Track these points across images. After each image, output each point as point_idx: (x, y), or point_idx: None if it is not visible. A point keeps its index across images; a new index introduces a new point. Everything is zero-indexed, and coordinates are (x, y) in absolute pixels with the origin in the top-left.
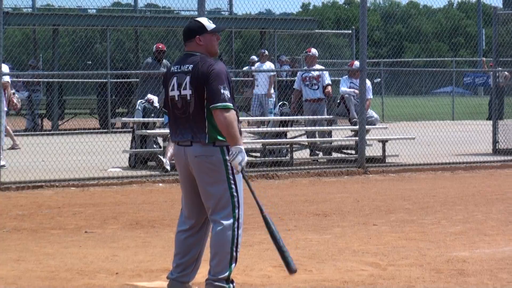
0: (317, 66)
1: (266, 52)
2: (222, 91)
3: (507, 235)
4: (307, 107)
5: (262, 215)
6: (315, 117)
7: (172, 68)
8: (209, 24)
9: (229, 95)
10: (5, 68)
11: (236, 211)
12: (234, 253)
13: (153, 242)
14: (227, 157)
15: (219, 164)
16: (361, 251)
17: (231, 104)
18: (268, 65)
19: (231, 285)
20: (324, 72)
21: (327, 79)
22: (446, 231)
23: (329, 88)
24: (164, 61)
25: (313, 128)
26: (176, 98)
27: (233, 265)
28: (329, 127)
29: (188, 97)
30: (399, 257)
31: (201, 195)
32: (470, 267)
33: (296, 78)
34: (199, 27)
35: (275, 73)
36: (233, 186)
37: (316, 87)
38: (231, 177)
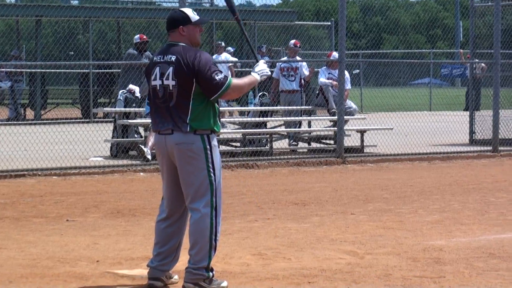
0: (298, 58)
1: (223, 44)
2: (215, 77)
3: (483, 224)
4: (282, 98)
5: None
6: (293, 107)
7: (154, 58)
8: (193, 16)
9: (221, 75)
10: None
11: (214, 199)
12: (214, 242)
13: (134, 230)
14: (208, 146)
15: (200, 152)
16: (339, 240)
17: (227, 81)
18: (224, 56)
19: (210, 273)
20: (302, 64)
21: (305, 71)
22: (423, 220)
23: (307, 78)
24: (147, 52)
25: (293, 118)
26: (158, 88)
27: (213, 253)
28: (308, 117)
29: (171, 87)
30: (377, 246)
31: (181, 183)
32: (447, 256)
33: (275, 68)
34: (183, 17)
35: (232, 64)
36: (212, 174)
37: (293, 78)
38: (210, 165)
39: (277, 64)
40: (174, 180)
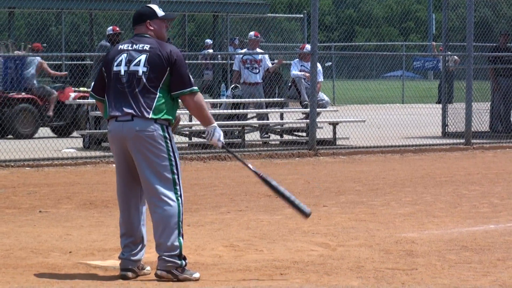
0: (259, 50)
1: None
2: (189, 76)
3: (455, 217)
4: (244, 90)
5: (260, 176)
6: (268, 99)
7: (120, 46)
8: (159, 11)
9: (192, 79)
10: None
11: (177, 187)
12: (181, 229)
13: (106, 221)
14: (167, 135)
15: (160, 140)
16: (311, 232)
17: (195, 86)
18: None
19: (183, 262)
20: (265, 56)
21: (268, 62)
22: (395, 213)
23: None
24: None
25: (265, 110)
26: (122, 73)
27: (182, 240)
28: (281, 110)
29: (140, 73)
30: (349, 238)
31: (140, 172)
32: (419, 248)
33: (235, 60)
34: (150, 12)
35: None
36: (173, 163)
37: (257, 70)
38: (171, 154)
39: (236, 56)
40: (129, 169)
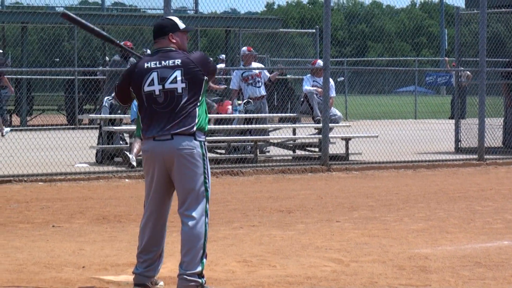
0: (254, 64)
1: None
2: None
3: (469, 232)
4: (253, 106)
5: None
6: (281, 114)
7: (145, 64)
8: (181, 23)
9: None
10: None
11: (207, 205)
12: (206, 248)
13: (119, 236)
14: (205, 152)
15: (198, 158)
16: (324, 247)
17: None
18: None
19: (203, 280)
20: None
21: (267, 72)
22: (408, 228)
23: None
24: (131, 58)
25: (278, 126)
26: (157, 93)
27: (205, 260)
28: (293, 125)
29: (180, 90)
30: (362, 254)
31: (177, 189)
32: (432, 264)
33: (232, 78)
34: (172, 25)
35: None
36: (207, 181)
37: (260, 84)
38: (206, 171)
39: (234, 73)
40: (164, 188)
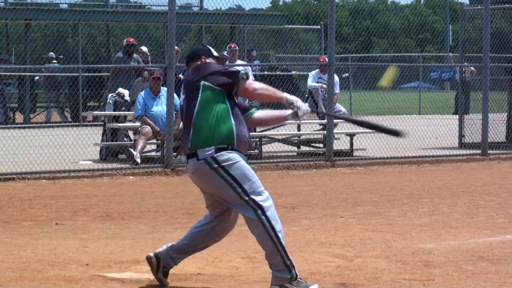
0: (239, 61)
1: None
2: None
3: (472, 227)
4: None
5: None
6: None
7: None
8: (214, 51)
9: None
10: None
11: (251, 202)
12: (276, 240)
13: (123, 234)
14: (215, 165)
15: (212, 175)
16: (328, 243)
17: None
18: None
19: (293, 273)
20: (247, 68)
21: (250, 72)
22: (412, 223)
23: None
24: (135, 55)
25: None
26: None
27: (282, 251)
28: (297, 121)
29: (182, 102)
30: (366, 249)
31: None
32: (436, 259)
33: None
34: (206, 50)
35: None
36: (235, 185)
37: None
38: (228, 178)
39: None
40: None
